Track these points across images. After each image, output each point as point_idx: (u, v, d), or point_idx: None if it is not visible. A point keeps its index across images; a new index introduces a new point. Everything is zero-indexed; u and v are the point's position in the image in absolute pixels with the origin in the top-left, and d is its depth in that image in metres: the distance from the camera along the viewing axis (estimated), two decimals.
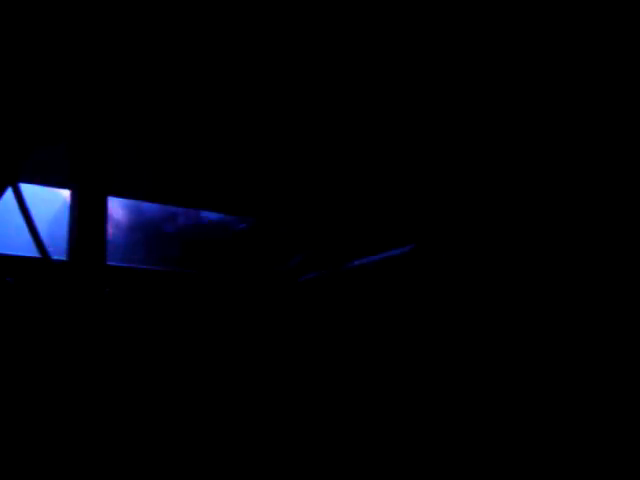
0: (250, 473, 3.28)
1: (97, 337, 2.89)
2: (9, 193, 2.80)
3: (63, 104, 2.81)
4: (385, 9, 2.47)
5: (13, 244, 3.01)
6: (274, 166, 3.47)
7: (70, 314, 2.82)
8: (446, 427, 3.16)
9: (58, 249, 3.03)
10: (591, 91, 2.72)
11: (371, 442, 3.41)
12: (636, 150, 2.61)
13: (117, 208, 3.68)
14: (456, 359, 3.31)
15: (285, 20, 2.51)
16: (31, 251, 2.79)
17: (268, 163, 3.43)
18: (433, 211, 3.64)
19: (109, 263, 3.00)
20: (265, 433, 3.47)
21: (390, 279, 3.83)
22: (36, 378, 2.83)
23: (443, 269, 3.56)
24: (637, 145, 2.61)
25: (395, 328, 3.70)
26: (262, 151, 3.32)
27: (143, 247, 3.55)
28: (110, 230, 3.14)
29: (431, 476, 3.09)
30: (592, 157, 2.80)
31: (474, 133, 3.25)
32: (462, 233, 3.51)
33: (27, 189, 2.95)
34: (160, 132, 3.02)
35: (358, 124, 3.30)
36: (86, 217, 2.87)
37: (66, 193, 3.10)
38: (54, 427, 2.83)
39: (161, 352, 3.20)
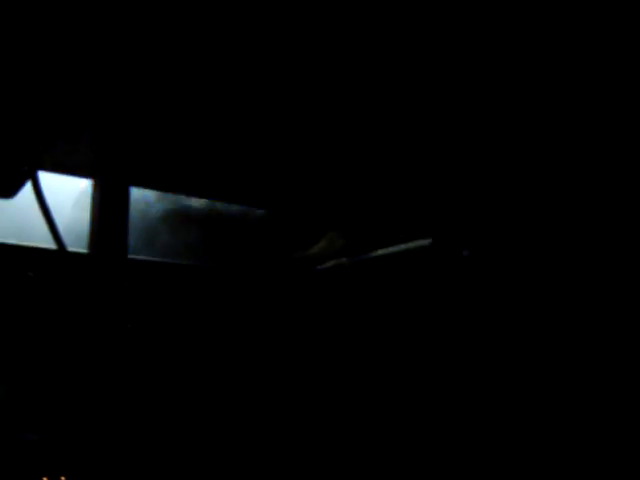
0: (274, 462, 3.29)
1: (117, 330, 2.87)
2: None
3: (85, 95, 2.74)
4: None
5: (35, 235, 2.96)
6: (293, 156, 3.41)
7: (91, 307, 2.80)
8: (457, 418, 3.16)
9: (79, 236, 2.99)
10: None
11: (385, 434, 3.41)
12: None
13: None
14: (470, 352, 3.31)
15: (290, 15, 2.45)
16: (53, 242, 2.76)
17: (287, 153, 3.38)
18: (452, 206, 3.60)
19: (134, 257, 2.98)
20: (282, 423, 3.48)
21: (407, 271, 3.82)
22: (55, 372, 2.82)
23: (460, 264, 3.55)
24: None
25: (410, 320, 3.70)
26: (281, 140, 3.27)
27: (157, 238, 3.51)
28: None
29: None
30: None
31: (497, 130, 3.20)
32: (480, 229, 3.49)
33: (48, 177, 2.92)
34: (181, 123, 2.96)
35: (379, 113, 3.25)
36: (108, 208, 2.83)
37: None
38: (73, 419, 2.83)
39: (179, 344, 3.19)
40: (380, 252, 4.00)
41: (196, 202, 3.71)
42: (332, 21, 2.55)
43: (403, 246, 3.80)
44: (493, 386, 3.13)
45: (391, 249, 3.85)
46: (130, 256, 2.97)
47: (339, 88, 3.01)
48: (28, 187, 2.79)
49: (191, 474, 3.09)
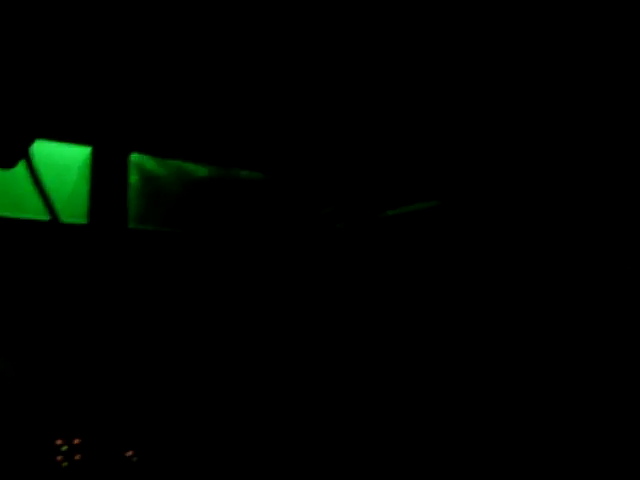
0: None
1: (117, 297, 2.87)
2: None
3: (83, 61, 2.65)
4: None
5: (34, 207, 2.92)
6: (306, 119, 3.31)
7: (91, 277, 2.79)
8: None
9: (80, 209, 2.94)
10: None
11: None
12: None
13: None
14: (476, 311, 3.29)
15: None
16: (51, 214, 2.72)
17: (299, 115, 3.27)
18: (461, 170, 3.53)
19: (130, 226, 2.91)
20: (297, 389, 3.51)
21: (418, 230, 3.78)
22: (53, 342, 2.84)
23: (467, 224, 3.51)
24: None
25: (422, 275, 3.69)
26: (293, 103, 3.16)
27: (167, 206, 3.45)
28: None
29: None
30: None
31: (505, 97, 3.10)
32: (488, 192, 3.42)
33: (48, 147, 2.85)
34: (184, 87, 2.85)
35: (392, 77, 3.13)
36: (106, 176, 2.76)
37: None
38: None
39: (199, 305, 3.16)
40: (391, 213, 3.96)
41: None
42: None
43: (411, 208, 3.75)
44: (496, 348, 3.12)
45: (400, 210, 3.79)
46: (135, 226, 2.92)
47: (351, 54, 2.89)
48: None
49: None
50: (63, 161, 2.89)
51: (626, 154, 2.70)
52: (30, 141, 2.70)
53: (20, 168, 2.65)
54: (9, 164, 2.75)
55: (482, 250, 3.39)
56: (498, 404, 3.01)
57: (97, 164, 2.79)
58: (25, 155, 2.67)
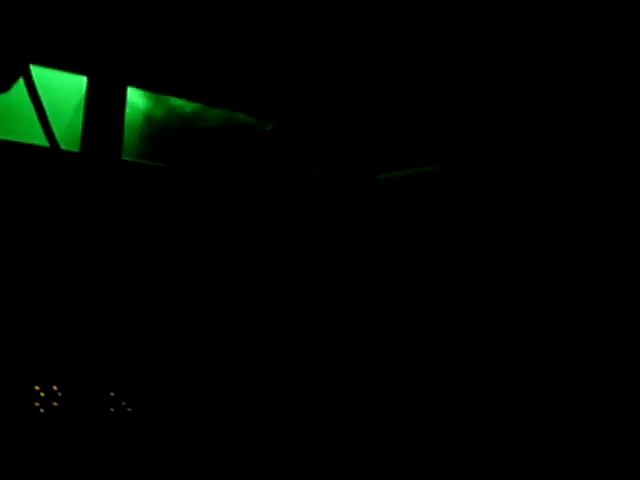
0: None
1: (109, 231, 2.83)
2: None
3: None
4: None
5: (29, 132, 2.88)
6: (303, 72, 3.28)
7: (81, 206, 2.75)
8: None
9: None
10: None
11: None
12: None
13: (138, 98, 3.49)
14: (474, 281, 3.25)
15: None
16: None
17: (297, 67, 3.24)
18: (461, 133, 3.50)
19: (124, 158, 2.88)
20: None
21: (414, 195, 3.73)
22: (44, 274, 2.80)
23: (467, 190, 3.47)
24: None
25: (415, 245, 3.64)
26: (293, 55, 3.13)
27: (161, 143, 3.41)
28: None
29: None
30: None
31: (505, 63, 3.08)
32: (489, 157, 3.39)
33: (49, 74, 2.81)
34: (188, 18, 2.81)
35: (390, 40, 3.12)
36: (102, 107, 2.72)
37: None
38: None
39: (174, 257, 3.14)
40: (385, 176, 3.91)
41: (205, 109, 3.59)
42: None
43: (408, 171, 3.71)
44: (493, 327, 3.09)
45: (396, 173, 3.75)
46: (128, 158, 2.89)
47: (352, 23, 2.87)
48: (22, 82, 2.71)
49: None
50: (64, 90, 2.87)
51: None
52: (24, 64, 2.66)
53: (21, 93, 2.62)
54: (3, 87, 2.71)
55: (483, 220, 3.35)
56: (494, 394, 2.98)
57: (92, 94, 2.75)
58: (24, 78, 2.63)
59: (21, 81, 2.69)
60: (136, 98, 3.19)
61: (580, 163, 2.84)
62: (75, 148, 2.82)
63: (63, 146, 2.77)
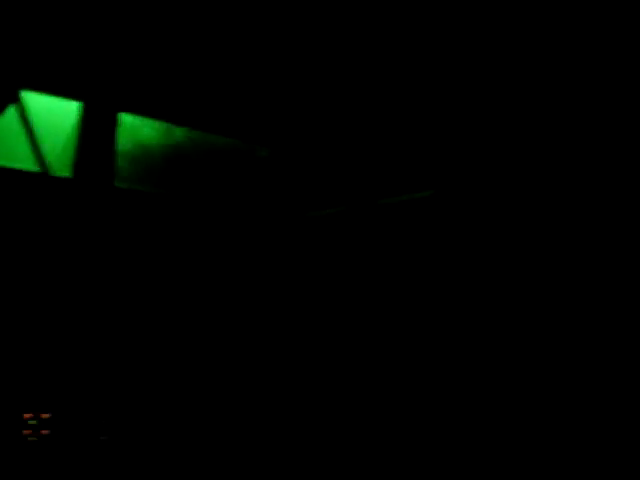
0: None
1: (101, 256, 2.79)
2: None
3: (77, 12, 2.61)
4: None
5: (25, 157, 2.87)
6: (298, 98, 3.28)
7: (74, 232, 2.72)
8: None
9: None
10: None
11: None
12: None
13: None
14: (466, 300, 3.24)
15: None
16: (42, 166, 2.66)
17: (293, 94, 3.24)
18: (454, 160, 3.50)
19: (118, 185, 2.86)
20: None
21: (409, 220, 3.73)
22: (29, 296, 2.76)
23: (460, 215, 3.47)
24: None
25: (410, 266, 3.63)
26: (289, 81, 3.13)
27: (150, 170, 3.39)
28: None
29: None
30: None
31: (500, 89, 3.09)
32: (480, 183, 3.39)
33: (43, 101, 2.79)
34: (180, 46, 2.81)
35: (385, 63, 3.12)
36: (94, 133, 2.71)
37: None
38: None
39: (162, 277, 3.11)
40: (380, 202, 3.91)
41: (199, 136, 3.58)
42: None
43: (404, 197, 3.71)
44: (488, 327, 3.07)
45: (392, 199, 3.75)
46: (121, 185, 2.86)
47: (350, 40, 2.87)
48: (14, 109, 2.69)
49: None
50: (57, 115, 2.85)
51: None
52: (16, 88, 2.65)
53: (14, 119, 2.61)
54: None
55: (476, 241, 3.36)
56: (490, 400, 2.95)
57: (86, 120, 2.73)
58: (14, 102, 2.61)
59: (12, 107, 2.68)
60: (130, 124, 3.18)
61: (565, 186, 2.84)
62: (67, 173, 2.80)
63: (53, 171, 2.75)
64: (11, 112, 2.66)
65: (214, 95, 3.12)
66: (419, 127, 3.59)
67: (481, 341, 3.09)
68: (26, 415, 2.81)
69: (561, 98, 2.96)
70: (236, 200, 3.62)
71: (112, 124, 2.76)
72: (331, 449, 3.25)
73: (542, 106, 3.03)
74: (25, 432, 2.79)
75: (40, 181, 2.67)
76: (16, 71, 2.57)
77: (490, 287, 3.16)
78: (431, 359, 3.30)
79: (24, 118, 2.66)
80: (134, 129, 3.15)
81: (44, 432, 2.82)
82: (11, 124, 2.73)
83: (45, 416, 2.84)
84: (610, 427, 2.40)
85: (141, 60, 2.74)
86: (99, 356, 2.88)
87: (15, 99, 2.58)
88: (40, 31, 2.64)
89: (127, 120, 2.96)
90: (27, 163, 2.77)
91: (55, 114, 3.06)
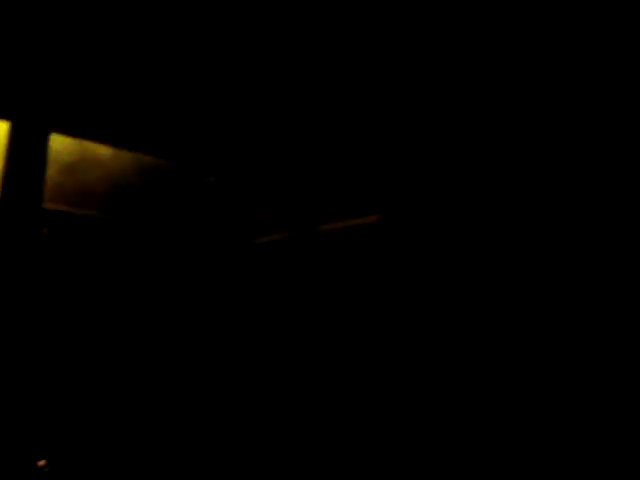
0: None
1: (31, 279, 2.71)
2: None
3: (4, 28, 2.56)
4: None
5: None
6: (241, 122, 3.25)
7: (3, 254, 2.64)
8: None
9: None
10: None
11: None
12: None
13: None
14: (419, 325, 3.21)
15: None
16: None
17: (235, 117, 3.22)
18: (402, 183, 3.50)
19: (47, 206, 2.79)
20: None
21: (354, 246, 3.71)
22: None
23: (408, 240, 3.45)
24: None
25: (356, 294, 3.60)
26: (231, 105, 3.11)
27: (88, 190, 3.33)
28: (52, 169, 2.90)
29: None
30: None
31: (451, 113, 3.10)
32: (430, 207, 3.39)
33: None
34: (114, 59, 2.77)
35: (336, 94, 3.12)
36: (24, 153, 2.64)
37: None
38: None
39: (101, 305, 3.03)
40: (325, 227, 3.90)
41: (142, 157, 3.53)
42: None
43: (352, 222, 3.69)
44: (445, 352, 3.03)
45: (337, 224, 3.73)
46: (50, 206, 2.80)
47: (299, 69, 2.86)
48: None
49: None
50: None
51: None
52: None
53: None
54: None
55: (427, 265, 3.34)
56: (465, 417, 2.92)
57: (14, 139, 2.67)
58: None
59: None
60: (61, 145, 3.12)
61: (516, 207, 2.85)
62: None
63: None
64: None
65: (154, 118, 3.09)
66: (367, 151, 3.59)
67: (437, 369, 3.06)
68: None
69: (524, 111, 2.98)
70: (179, 225, 3.56)
71: (41, 144, 2.71)
72: (331, 449, 3.18)
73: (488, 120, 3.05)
74: None
75: None
76: None
77: (442, 308, 3.14)
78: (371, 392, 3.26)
79: None
80: (63, 149, 3.09)
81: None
82: None
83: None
84: (610, 427, 2.38)
85: (74, 80, 2.70)
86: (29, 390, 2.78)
87: None
88: None
89: (56, 140, 2.90)
90: None
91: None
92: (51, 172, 2.91)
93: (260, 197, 3.99)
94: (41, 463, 2.84)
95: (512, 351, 2.71)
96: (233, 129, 3.26)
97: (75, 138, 2.96)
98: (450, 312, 3.04)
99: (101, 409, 3.01)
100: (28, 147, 2.66)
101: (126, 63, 2.74)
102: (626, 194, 2.44)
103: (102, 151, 3.14)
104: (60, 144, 2.95)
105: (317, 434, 3.23)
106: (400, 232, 3.52)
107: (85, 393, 2.99)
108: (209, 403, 3.39)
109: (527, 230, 2.76)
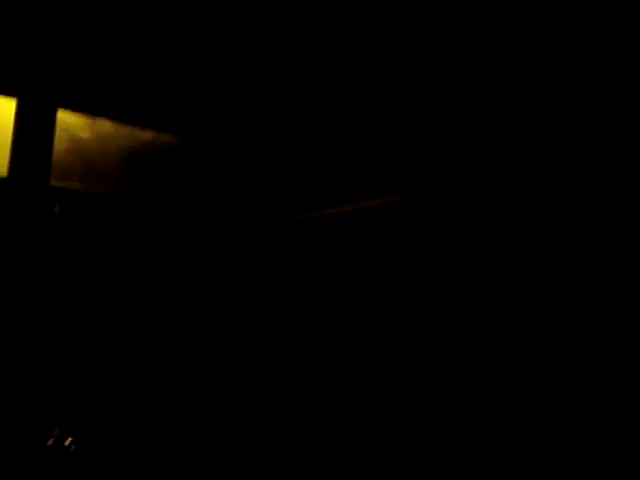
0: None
1: (42, 257, 2.69)
2: None
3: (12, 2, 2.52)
4: None
5: None
6: (266, 103, 3.19)
7: (9, 233, 2.62)
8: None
9: None
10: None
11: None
12: None
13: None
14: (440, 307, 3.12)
15: None
16: None
17: (259, 99, 3.15)
18: (423, 163, 3.39)
19: (58, 185, 2.75)
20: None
21: (375, 226, 3.62)
22: None
23: (429, 221, 3.36)
24: None
25: (378, 275, 3.52)
26: (252, 84, 3.04)
27: (109, 170, 3.29)
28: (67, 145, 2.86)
29: None
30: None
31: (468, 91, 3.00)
32: (450, 188, 3.28)
33: None
34: (128, 30, 2.70)
35: (350, 67, 3.03)
36: (29, 130, 2.60)
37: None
38: None
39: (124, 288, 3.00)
40: (351, 206, 3.80)
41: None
42: None
43: (368, 202, 3.59)
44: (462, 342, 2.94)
45: (356, 204, 3.63)
46: (58, 184, 2.76)
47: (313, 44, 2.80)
48: None
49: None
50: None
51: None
52: None
53: None
54: None
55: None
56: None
57: (21, 117, 2.63)
58: None
59: None
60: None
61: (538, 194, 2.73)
62: (2, 173, 2.69)
63: None
64: None
65: (168, 95, 3.02)
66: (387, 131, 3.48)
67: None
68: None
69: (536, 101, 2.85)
70: (196, 202, 3.50)
71: (49, 121, 2.66)
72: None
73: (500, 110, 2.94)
74: None
75: None
76: None
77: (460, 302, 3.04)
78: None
79: None
80: (71, 126, 3.05)
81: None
82: None
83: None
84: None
85: (81, 52, 2.65)
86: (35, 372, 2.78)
87: None
88: None
89: (63, 116, 2.85)
90: None
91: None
92: (63, 149, 2.87)
93: (263, 181, 3.91)
94: (67, 442, 2.86)
95: (536, 343, 2.60)
96: (253, 103, 3.17)
97: (85, 115, 2.91)
98: (476, 301, 2.93)
99: (118, 394, 3.00)
100: (36, 124, 2.62)
101: (140, 35, 2.67)
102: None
103: (115, 130, 3.08)
104: (74, 120, 2.90)
105: (334, 424, 3.18)
106: (420, 213, 3.42)
107: (101, 381, 2.98)
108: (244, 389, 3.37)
109: (559, 218, 2.63)
